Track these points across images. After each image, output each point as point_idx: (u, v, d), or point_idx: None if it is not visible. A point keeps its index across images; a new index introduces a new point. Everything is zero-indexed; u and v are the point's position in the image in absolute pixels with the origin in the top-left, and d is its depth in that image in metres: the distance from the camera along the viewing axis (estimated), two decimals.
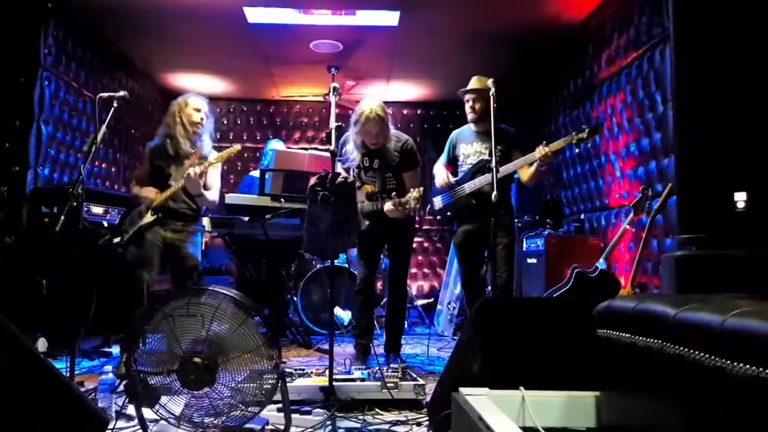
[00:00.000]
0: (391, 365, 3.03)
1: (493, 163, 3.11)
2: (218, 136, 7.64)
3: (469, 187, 3.62)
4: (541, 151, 3.30)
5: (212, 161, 3.49)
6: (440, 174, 3.81)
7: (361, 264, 3.71)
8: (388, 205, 3.41)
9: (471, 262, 3.73)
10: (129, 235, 3.46)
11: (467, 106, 3.73)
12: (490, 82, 3.26)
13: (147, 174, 3.61)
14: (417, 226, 7.73)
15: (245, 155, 7.68)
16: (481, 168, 3.58)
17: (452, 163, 3.85)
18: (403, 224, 3.61)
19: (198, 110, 3.58)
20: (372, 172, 3.60)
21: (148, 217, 3.46)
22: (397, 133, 3.64)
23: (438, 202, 3.84)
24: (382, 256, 4.31)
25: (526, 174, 3.54)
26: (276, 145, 5.40)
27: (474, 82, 3.69)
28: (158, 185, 3.53)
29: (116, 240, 3.44)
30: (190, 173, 3.41)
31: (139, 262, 3.44)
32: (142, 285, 3.40)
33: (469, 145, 3.75)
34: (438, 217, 3.95)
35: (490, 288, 3.59)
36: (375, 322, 4.25)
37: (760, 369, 0.98)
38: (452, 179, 3.74)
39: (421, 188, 3.35)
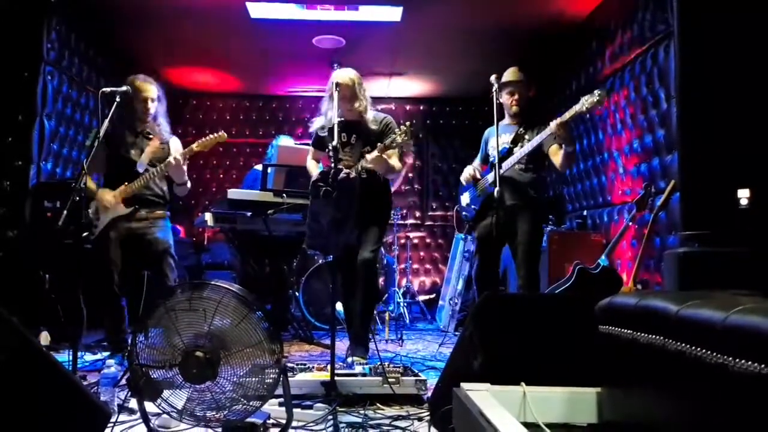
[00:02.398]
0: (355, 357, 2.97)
1: (496, 159, 3.09)
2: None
3: (491, 176, 3.52)
4: (554, 123, 3.20)
5: (196, 148, 3.39)
6: (467, 170, 3.73)
7: (325, 258, 3.44)
8: (370, 155, 3.18)
9: (488, 256, 3.64)
10: (100, 228, 3.35)
11: (511, 99, 3.59)
12: (493, 78, 3.24)
13: (102, 163, 3.42)
14: (419, 221, 7.76)
15: (248, 150, 7.70)
16: (504, 155, 3.45)
17: (486, 161, 3.76)
18: (376, 192, 3.43)
19: (146, 99, 3.44)
20: (350, 147, 3.45)
21: (122, 209, 3.35)
22: (376, 113, 3.53)
23: (465, 198, 3.80)
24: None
25: (557, 159, 3.42)
26: (285, 141, 5.39)
27: (510, 74, 3.59)
28: (122, 174, 3.39)
29: (85, 234, 3.21)
30: (171, 161, 3.33)
31: (107, 263, 3.34)
32: (113, 285, 3.36)
33: (497, 139, 3.68)
34: (464, 213, 3.87)
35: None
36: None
37: (762, 366, 0.98)
38: (479, 174, 3.66)
39: (408, 123, 3.13)
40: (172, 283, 3.38)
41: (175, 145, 3.61)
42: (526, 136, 3.50)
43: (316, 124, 3.59)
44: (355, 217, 3.29)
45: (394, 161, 3.38)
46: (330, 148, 3.31)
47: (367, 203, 3.36)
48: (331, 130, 3.05)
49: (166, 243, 3.46)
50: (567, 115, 3.16)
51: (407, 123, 3.13)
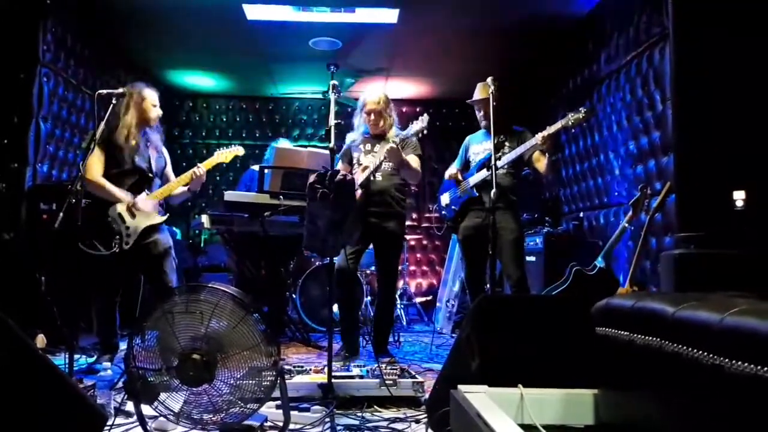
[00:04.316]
0: (381, 360, 3.04)
1: (493, 161, 3.13)
2: (217, 134, 7.69)
3: (473, 179, 3.67)
4: (540, 135, 3.36)
5: (220, 160, 3.56)
6: (450, 170, 3.91)
7: (341, 254, 3.56)
8: (388, 145, 3.39)
9: (475, 257, 3.73)
10: (134, 238, 3.26)
11: (479, 115, 3.82)
12: (489, 80, 3.31)
13: (102, 165, 3.31)
14: (416, 223, 7.76)
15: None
16: (486, 162, 3.61)
17: (466, 167, 3.90)
18: (393, 215, 3.64)
19: (155, 105, 3.46)
20: (372, 155, 3.64)
21: (158, 218, 3.36)
22: (399, 130, 3.74)
23: (445, 198, 3.91)
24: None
25: (542, 165, 3.59)
26: (283, 144, 5.39)
27: (479, 91, 3.77)
28: (122, 177, 3.33)
29: (116, 244, 3.21)
30: (200, 172, 3.42)
31: (124, 274, 3.37)
32: (117, 293, 3.39)
33: (479, 145, 3.85)
34: (443, 213, 3.98)
35: (488, 285, 3.59)
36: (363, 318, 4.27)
37: (758, 367, 0.98)
38: (460, 176, 3.81)
39: (426, 116, 3.33)
40: (173, 285, 3.37)
41: (167, 154, 3.64)
42: (507, 143, 3.66)
43: (348, 138, 3.84)
44: (378, 233, 3.61)
45: (412, 159, 3.58)
46: (356, 156, 3.68)
47: (389, 221, 3.62)
48: (327, 132, 3.09)
49: (167, 244, 3.45)
50: (552, 128, 3.33)
51: (425, 114, 3.34)
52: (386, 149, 3.39)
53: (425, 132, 3.33)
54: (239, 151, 3.71)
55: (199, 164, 3.47)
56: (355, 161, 3.73)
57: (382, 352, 3.62)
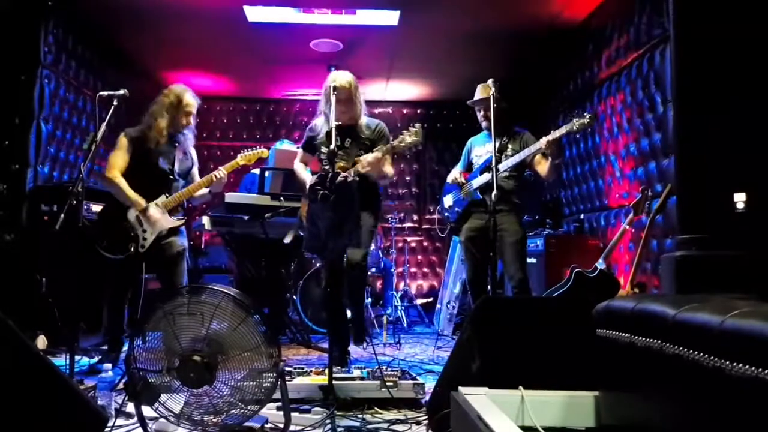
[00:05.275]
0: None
1: (493, 163, 3.13)
2: (218, 135, 7.69)
3: (476, 182, 3.68)
4: (544, 140, 3.36)
5: (241, 162, 3.60)
6: (453, 174, 3.90)
7: (323, 261, 3.43)
8: (367, 157, 3.16)
9: (477, 259, 3.73)
10: (151, 241, 3.32)
11: (479, 116, 3.81)
12: (490, 82, 3.31)
13: (126, 163, 3.39)
14: (417, 225, 7.76)
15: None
16: (489, 164, 3.57)
17: (469, 169, 3.90)
18: (369, 196, 3.39)
19: (190, 113, 3.49)
20: (343, 150, 3.37)
21: (174, 221, 3.41)
22: (369, 119, 3.53)
23: (448, 200, 3.92)
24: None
25: (543, 169, 3.60)
26: (286, 146, 5.39)
27: (480, 92, 3.77)
28: (152, 182, 3.40)
29: (132, 249, 3.28)
30: (221, 177, 3.46)
31: (134, 276, 3.40)
32: (126, 293, 3.45)
33: (482, 147, 3.85)
34: (447, 215, 3.99)
35: (489, 287, 3.59)
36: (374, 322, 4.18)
37: (759, 369, 0.98)
38: (463, 179, 3.80)
39: (420, 129, 3.12)
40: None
41: (194, 156, 3.69)
42: (510, 145, 3.68)
43: (316, 124, 3.55)
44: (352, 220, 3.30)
45: (387, 167, 3.38)
46: (325, 151, 3.20)
47: (359, 207, 3.35)
48: (328, 133, 3.05)
49: (182, 246, 3.50)
50: (557, 133, 3.34)
51: (417, 125, 3.14)
52: (370, 159, 3.17)
53: (420, 147, 3.19)
54: (264, 153, 3.71)
55: (219, 167, 3.52)
56: (322, 154, 3.41)
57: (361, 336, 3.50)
